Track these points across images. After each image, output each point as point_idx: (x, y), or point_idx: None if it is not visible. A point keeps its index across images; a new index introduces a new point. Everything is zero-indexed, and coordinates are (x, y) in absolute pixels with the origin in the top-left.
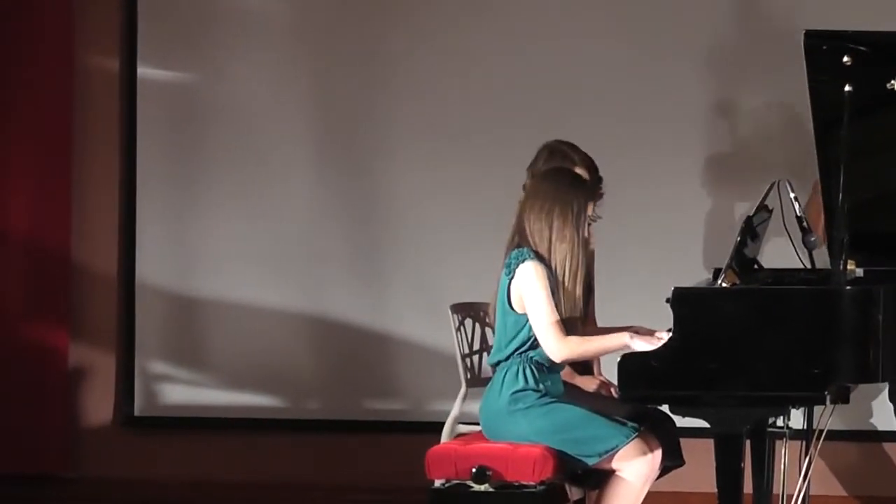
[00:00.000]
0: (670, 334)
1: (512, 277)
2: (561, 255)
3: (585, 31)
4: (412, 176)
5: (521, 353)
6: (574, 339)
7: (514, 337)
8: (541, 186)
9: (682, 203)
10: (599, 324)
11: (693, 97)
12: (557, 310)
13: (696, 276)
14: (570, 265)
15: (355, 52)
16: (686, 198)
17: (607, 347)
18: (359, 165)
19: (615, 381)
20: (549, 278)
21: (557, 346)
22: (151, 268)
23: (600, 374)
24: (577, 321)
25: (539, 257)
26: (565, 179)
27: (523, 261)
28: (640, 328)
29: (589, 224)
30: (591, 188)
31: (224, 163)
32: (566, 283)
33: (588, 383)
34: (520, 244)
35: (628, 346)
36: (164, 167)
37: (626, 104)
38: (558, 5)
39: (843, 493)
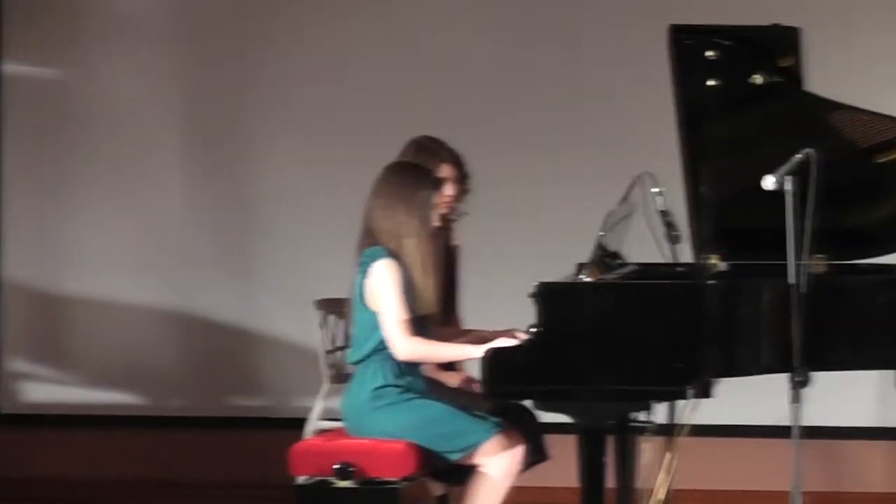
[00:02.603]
0: (534, 330)
1: (366, 276)
2: (410, 249)
3: (454, 28)
4: (281, 174)
5: (379, 351)
6: (418, 340)
7: (372, 335)
8: (383, 184)
9: (549, 197)
10: (470, 323)
11: (562, 93)
12: (411, 307)
13: (562, 271)
14: (421, 258)
15: (225, 51)
16: (552, 192)
17: (455, 355)
18: (228, 164)
19: (478, 377)
20: (402, 275)
21: (401, 346)
22: (19, 266)
23: (463, 369)
24: (432, 317)
25: (392, 254)
26: (407, 173)
27: (377, 259)
28: (511, 332)
29: (454, 219)
30: (435, 177)
31: (93, 162)
32: (418, 277)
33: (451, 378)
34: (371, 243)
35: (475, 357)
36: (32, 165)
37: (495, 101)
38: (423, 2)
39: (706, 488)
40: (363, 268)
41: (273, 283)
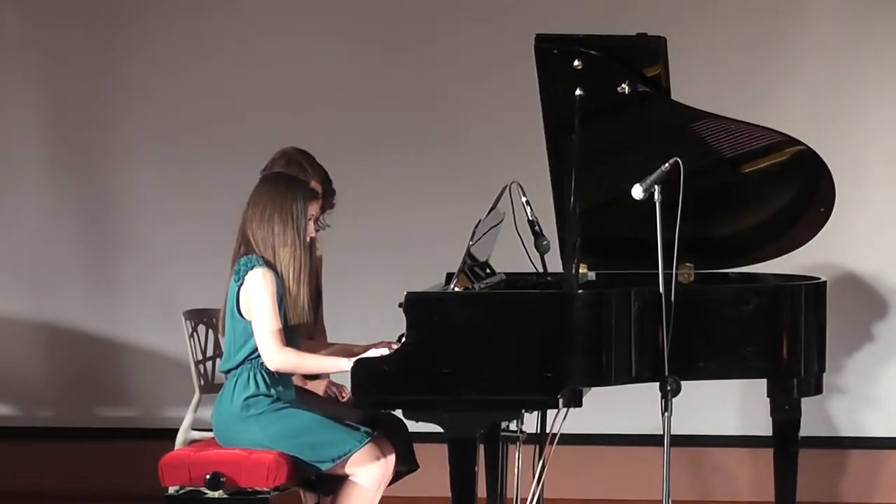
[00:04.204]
0: (403, 340)
1: (241, 284)
2: (285, 259)
3: (317, 28)
4: (145, 179)
5: (251, 360)
6: (291, 351)
7: (245, 344)
8: (259, 194)
9: (417, 206)
10: (334, 336)
11: (427, 97)
12: (285, 317)
13: (431, 281)
14: (294, 268)
15: (85, 52)
16: (421, 201)
17: (325, 367)
18: (91, 168)
19: (349, 386)
20: (277, 284)
21: (274, 356)
22: None
23: (327, 376)
24: (304, 327)
25: (268, 264)
26: (281, 183)
27: (252, 268)
28: (383, 343)
29: (317, 230)
30: (311, 188)
31: None
32: (292, 287)
33: (320, 388)
34: (247, 252)
35: (346, 370)
36: None
37: (362, 106)
38: (286, 3)
39: (576, 497)
40: (238, 276)
41: (140, 290)
